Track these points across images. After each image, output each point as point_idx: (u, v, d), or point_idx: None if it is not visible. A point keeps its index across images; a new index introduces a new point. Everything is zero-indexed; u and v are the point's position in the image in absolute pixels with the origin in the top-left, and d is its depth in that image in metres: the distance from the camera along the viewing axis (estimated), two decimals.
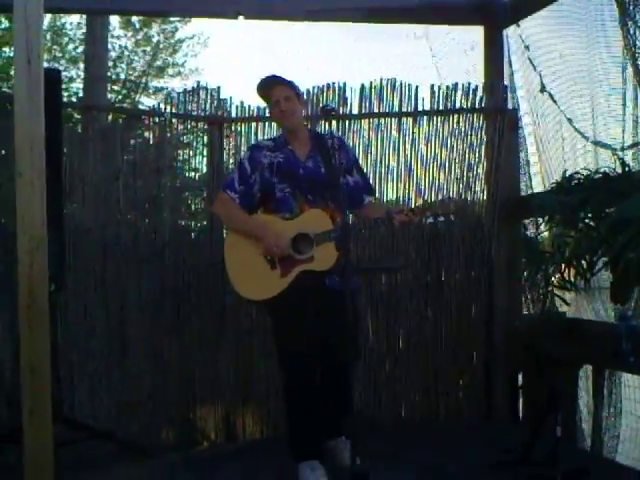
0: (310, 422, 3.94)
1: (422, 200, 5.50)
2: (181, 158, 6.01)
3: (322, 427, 3.97)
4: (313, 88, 5.51)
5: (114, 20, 13.52)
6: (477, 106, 5.55)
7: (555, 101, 5.15)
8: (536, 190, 5.51)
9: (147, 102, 16.51)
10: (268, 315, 4.13)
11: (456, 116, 5.57)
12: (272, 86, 4.06)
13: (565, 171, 4.96)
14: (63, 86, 5.84)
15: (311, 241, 3.84)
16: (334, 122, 5.33)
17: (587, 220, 4.60)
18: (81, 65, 14.14)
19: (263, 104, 5.50)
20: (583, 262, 4.62)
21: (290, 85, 4.07)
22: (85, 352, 5.12)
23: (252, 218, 4.05)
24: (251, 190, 4.02)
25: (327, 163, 3.97)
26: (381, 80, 5.58)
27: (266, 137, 5.52)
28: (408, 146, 5.58)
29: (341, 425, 4.02)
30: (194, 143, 5.86)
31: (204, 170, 5.82)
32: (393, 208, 4.03)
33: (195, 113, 5.61)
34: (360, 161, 5.08)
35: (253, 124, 5.64)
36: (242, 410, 5.48)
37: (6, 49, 14.24)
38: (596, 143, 4.83)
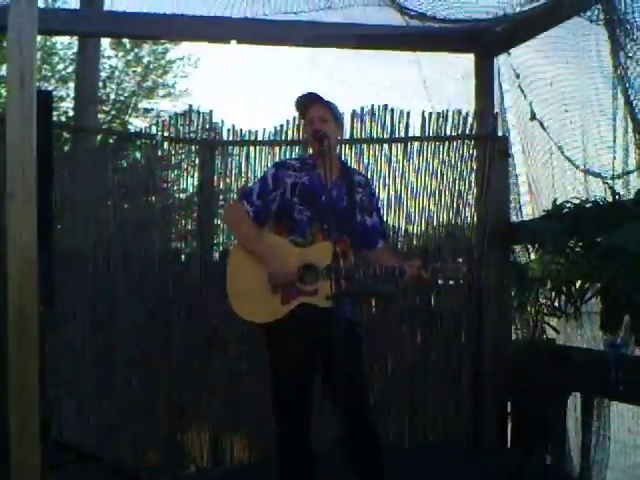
0: (300, 450, 3.84)
1: (412, 225, 5.54)
2: (171, 180, 6.02)
3: (313, 455, 3.86)
4: None
5: (105, 40, 13.47)
6: (468, 133, 5.59)
7: (545, 129, 5.18)
8: (526, 217, 5.52)
9: (137, 123, 16.50)
10: (265, 345, 3.93)
11: (447, 143, 5.60)
12: (310, 104, 3.91)
13: (555, 199, 4.98)
14: (53, 106, 5.82)
15: (317, 274, 3.69)
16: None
17: (577, 248, 4.61)
18: (71, 85, 14.14)
19: (255, 128, 5.56)
20: (573, 289, 4.63)
21: (329, 106, 3.91)
22: (73, 373, 5.09)
23: (262, 239, 3.87)
24: (268, 207, 3.88)
25: (349, 197, 3.87)
26: (372, 106, 5.62)
27: (257, 160, 5.54)
28: (398, 173, 5.60)
29: (382, 471, 3.80)
30: (184, 165, 5.86)
31: (194, 191, 5.82)
32: (405, 263, 3.88)
33: (187, 136, 5.62)
34: None
35: (244, 147, 5.65)
36: (230, 434, 5.46)
37: None
38: (586, 171, 4.85)
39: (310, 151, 4.13)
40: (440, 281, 3.79)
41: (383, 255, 4.05)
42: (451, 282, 3.72)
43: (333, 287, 3.26)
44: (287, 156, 5.55)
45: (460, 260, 3.87)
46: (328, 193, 3.82)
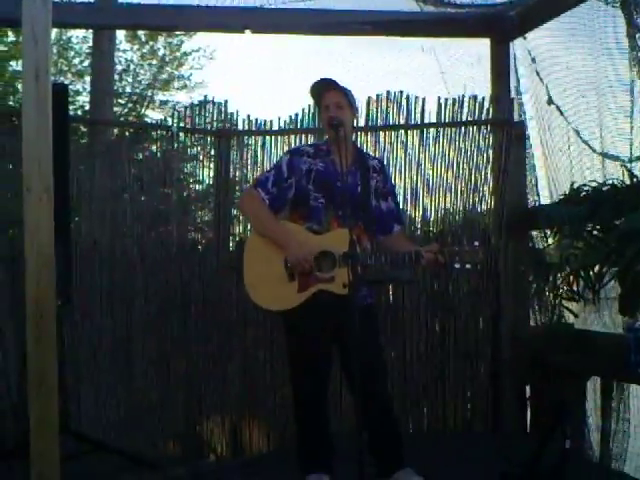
0: (319, 436, 3.91)
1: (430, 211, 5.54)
2: (187, 171, 6.03)
3: (331, 441, 3.92)
4: None
5: (120, 33, 13.49)
6: (484, 118, 5.56)
7: (562, 113, 5.14)
8: (543, 202, 5.49)
9: (153, 115, 16.51)
10: (283, 331, 4.03)
11: (463, 128, 5.58)
12: (325, 90, 3.91)
13: (573, 183, 4.95)
14: (69, 99, 5.85)
15: (334, 260, 3.71)
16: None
17: (595, 232, 4.58)
18: (87, 79, 14.17)
19: (270, 117, 5.56)
20: (591, 273, 4.60)
21: (344, 92, 3.91)
22: (92, 365, 5.13)
23: (281, 225, 3.91)
24: (284, 194, 3.90)
25: (364, 182, 3.87)
26: (388, 93, 5.60)
27: (272, 150, 5.55)
28: (414, 159, 5.59)
29: (401, 455, 3.91)
30: (200, 156, 5.87)
31: (210, 183, 5.83)
32: (422, 248, 3.88)
33: (202, 127, 5.62)
34: None
35: (260, 137, 5.65)
36: (249, 423, 5.48)
37: (13, 63, 14.27)
38: (604, 155, 4.81)
39: (325, 137, 4.14)
40: (457, 265, 3.76)
41: (399, 240, 4.06)
42: (468, 266, 3.70)
43: (350, 275, 3.27)
44: None
45: (476, 243, 3.83)
46: (343, 179, 3.79)
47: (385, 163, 5.51)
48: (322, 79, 3.94)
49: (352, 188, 3.87)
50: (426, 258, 3.74)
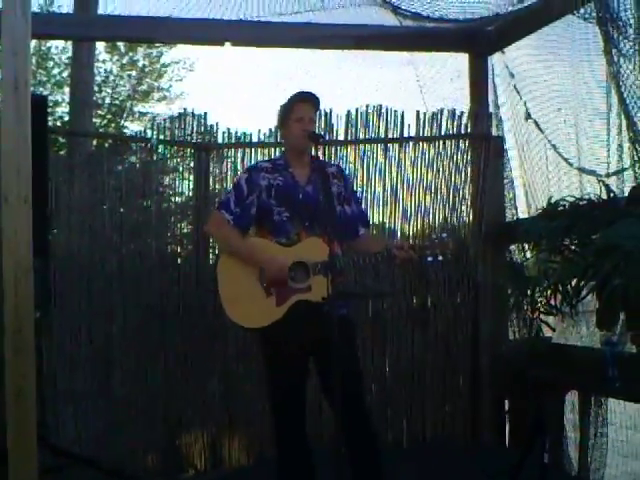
0: (299, 457, 3.87)
1: (408, 226, 5.56)
2: (167, 183, 6.01)
3: (311, 458, 3.89)
4: None
5: (99, 44, 13.47)
6: (462, 132, 5.60)
7: (540, 128, 5.18)
8: (521, 216, 5.53)
9: (132, 127, 16.49)
10: (260, 346, 4.00)
11: (441, 142, 5.61)
12: (304, 101, 3.94)
13: (550, 197, 4.98)
14: (48, 110, 5.83)
15: (308, 270, 3.72)
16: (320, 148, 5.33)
17: (572, 246, 4.61)
18: (66, 89, 14.11)
19: (250, 130, 5.56)
20: (569, 287, 4.63)
21: (317, 107, 4.00)
22: (70, 377, 5.09)
23: (248, 242, 3.93)
24: (247, 212, 3.91)
25: (326, 190, 3.82)
26: (367, 107, 5.63)
27: (255, 161, 5.55)
28: (394, 173, 5.61)
29: (380, 468, 3.84)
30: (180, 168, 5.86)
31: (190, 195, 5.82)
32: (392, 243, 3.91)
33: (182, 139, 5.62)
34: None
35: (240, 150, 5.65)
36: (228, 436, 5.45)
37: None
38: (581, 170, 4.85)
39: (282, 152, 4.18)
40: (430, 259, 3.78)
41: (368, 242, 4.09)
42: (440, 258, 3.71)
43: (330, 288, 3.27)
44: None
45: (445, 235, 3.86)
46: (304, 190, 3.88)
47: (365, 175, 5.55)
48: (305, 91, 3.96)
49: (314, 197, 3.89)
50: (399, 256, 3.75)
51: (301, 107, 3.94)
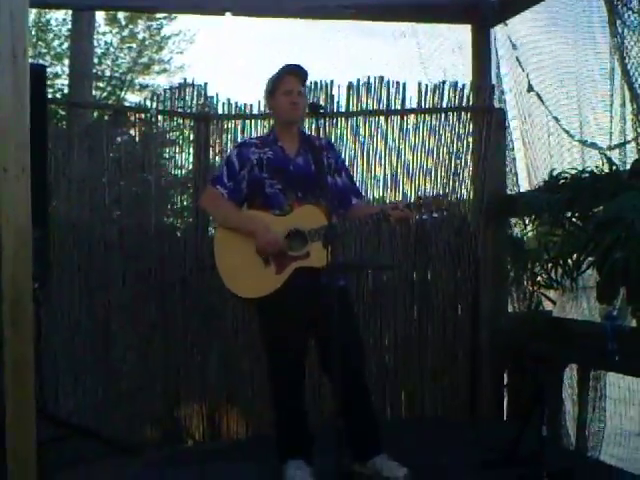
0: (298, 422, 3.92)
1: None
2: (167, 155, 5.99)
3: (309, 428, 3.94)
4: None
5: (99, 16, 13.44)
6: (464, 105, 5.56)
7: (542, 100, 5.15)
8: (522, 189, 5.51)
9: (133, 99, 16.43)
10: (257, 314, 4.04)
11: (443, 114, 5.58)
12: (292, 74, 3.96)
13: (552, 170, 4.96)
14: (48, 82, 5.80)
15: (305, 238, 3.75)
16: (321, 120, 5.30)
17: (574, 219, 4.60)
18: (66, 61, 14.06)
19: (250, 101, 5.52)
20: (569, 261, 4.62)
21: (304, 80, 4.02)
22: (69, 349, 5.09)
23: (244, 213, 3.97)
24: (239, 186, 3.94)
25: (317, 161, 3.86)
26: (368, 78, 5.59)
27: (253, 134, 5.52)
28: (394, 145, 5.58)
29: (378, 441, 3.93)
30: (180, 140, 5.83)
31: (190, 167, 5.79)
32: (387, 205, 3.93)
33: (181, 110, 5.58)
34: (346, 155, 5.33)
35: (240, 121, 5.61)
36: (227, 409, 5.46)
37: None
38: (583, 142, 4.83)
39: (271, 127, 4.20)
40: (425, 216, 3.77)
41: (361, 209, 4.10)
42: (435, 215, 3.71)
43: (329, 257, 3.27)
44: None
45: (441, 193, 3.86)
46: (294, 162, 3.92)
47: (365, 150, 5.52)
48: (292, 64, 3.97)
49: (305, 168, 3.92)
50: (394, 215, 3.79)
51: (289, 80, 3.96)
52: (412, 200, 3.87)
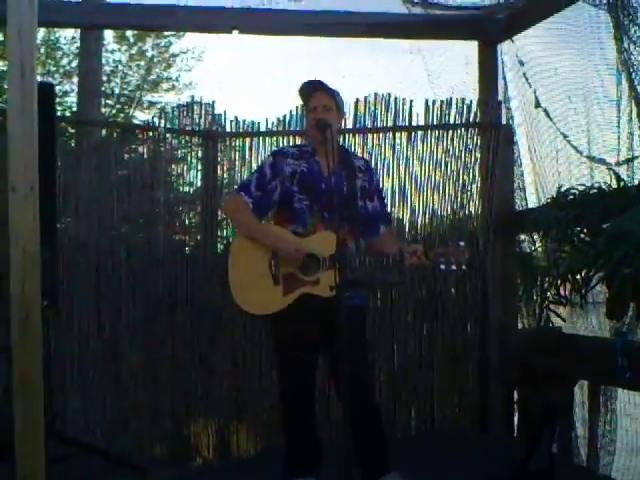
0: (306, 440, 3.89)
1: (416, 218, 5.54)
2: (175, 173, 6.00)
3: (318, 446, 3.90)
4: None
5: (108, 34, 13.52)
6: (472, 121, 5.57)
7: (550, 117, 5.15)
8: (531, 205, 5.50)
9: (141, 116, 16.48)
10: (271, 334, 4.01)
11: (450, 131, 5.58)
12: (313, 91, 3.90)
13: (560, 186, 4.95)
14: (57, 100, 5.85)
15: (318, 263, 3.69)
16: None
17: (582, 235, 4.58)
18: (75, 79, 14.13)
19: (258, 119, 5.55)
20: (578, 277, 4.60)
21: (332, 95, 3.90)
22: (78, 366, 5.09)
23: (264, 226, 3.94)
24: (268, 197, 3.88)
25: (350, 182, 3.84)
26: (375, 95, 5.60)
27: (260, 151, 5.54)
28: (402, 162, 5.58)
29: (387, 460, 3.87)
30: (188, 157, 5.85)
31: (198, 184, 5.80)
32: (405, 247, 3.84)
33: (189, 128, 5.60)
34: None
35: (247, 139, 5.63)
36: (236, 426, 5.45)
37: (0, 62, 14.23)
38: (591, 158, 4.82)
39: (305, 140, 4.13)
40: (442, 266, 3.72)
41: (385, 240, 4.05)
42: (453, 267, 3.64)
43: (337, 277, 3.25)
44: None
45: (462, 243, 3.78)
46: (327, 181, 3.81)
47: (373, 165, 5.51)
48: (310, 81, 3.93)
49: (337, 189, 3.83)
50: (409, 259, 3.74)
51: (313, 97, 3.92)
52: (431, 250, 3.76)
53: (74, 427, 4.97)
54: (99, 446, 4.65)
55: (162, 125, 5.54)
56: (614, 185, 4.52)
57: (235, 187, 5.45)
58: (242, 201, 3.89)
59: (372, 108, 5.60)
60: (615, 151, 4.60)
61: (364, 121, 5.61)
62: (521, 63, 5.40)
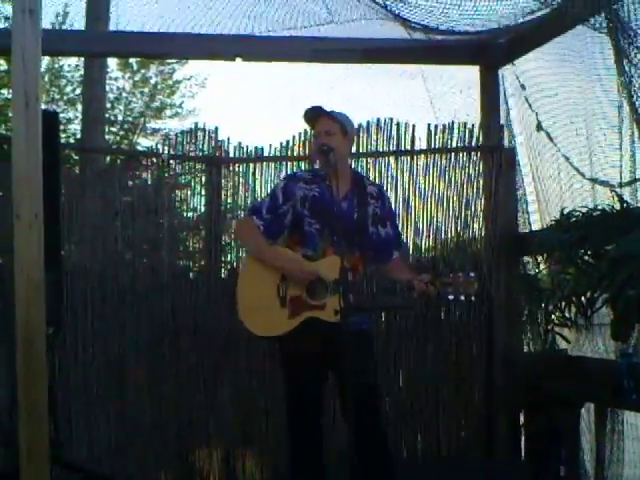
0: (313, 466, 3.86)
1: (420, 239, 5.54)
2: (179, 198, 6.02)
3: (324, 471, 3.87)
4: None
5: (112, 61, 13.56)
6: (474, 145, 5.58)
7: (552, 139, 5.17)
8: (534, 227, 5.51)
9: (145, 143, 16.56)
10: (279, 356, 3.99)
11: (453, 155, 5.59)
12: (315, 117, 3.91)
13: (563, 209, 4.96)
14: (61, 127, 5.87)
15: (326, 288, 3.68)
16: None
17: (586, 257, 4.58)
18: (79, 106, 14.20)
19: (261, 144, 5.58)
20: (583, 299, 4.60)
21: (335, 119, 3.88)
22: (83, 393, 5.09)
23: (274, 248, 3.90)
24: (280, 220, 3.89)
25: (361, 208, 3.85)
26: (378, 119, 5.61)
27: (264, 176, 5.56)
28: (406, 186, 5.59)
29: None
30: (192, 183, 5.87)
31: (202, 210, 5.82)
32: (415, 276, 3.77)
33: (193, 154, 5.62)
34: None
35: (251, 164, 5.65)
36: (242, 451, 5.43)
37: (4, 91, 14.31)
38: (593, 180, 4.83)
39: (317, 165, 4.14)
40: (451, 296, 3.71)
41: (396, 267, 4.04)
42: (462, 297, 3.60)
43: (342, 302, 3.25)
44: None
45: (472, 274, 3.75)
46: (339, 205, 3.78)
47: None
48: (311, 107, 3.93)
49: (348, 214, 3.86)
50: (418, 289, 3.72)
51: (316, 122, 3.93)
52: (440, 279, 3.73)
53: (79, 453, 4.96)
54: (103, 473, 4.63)
55: (166, 151, 5.57)
56: (617, 207, 4.53)
57: (241, 210, 5.49)
58: (253, 224, 3.91)
59: (375, 133, 5.61)
60: (617, 173, 4.61)
61: (366, 146, 5.62)
62: (523, 87, 5.42)
